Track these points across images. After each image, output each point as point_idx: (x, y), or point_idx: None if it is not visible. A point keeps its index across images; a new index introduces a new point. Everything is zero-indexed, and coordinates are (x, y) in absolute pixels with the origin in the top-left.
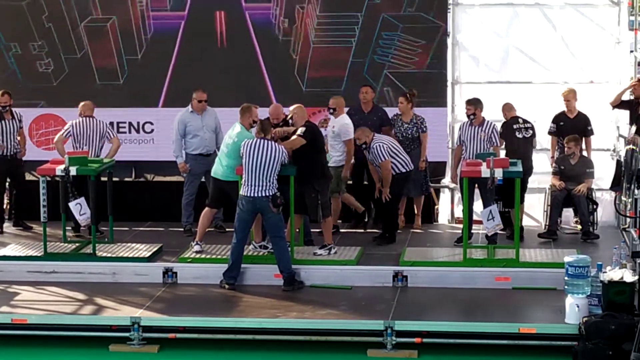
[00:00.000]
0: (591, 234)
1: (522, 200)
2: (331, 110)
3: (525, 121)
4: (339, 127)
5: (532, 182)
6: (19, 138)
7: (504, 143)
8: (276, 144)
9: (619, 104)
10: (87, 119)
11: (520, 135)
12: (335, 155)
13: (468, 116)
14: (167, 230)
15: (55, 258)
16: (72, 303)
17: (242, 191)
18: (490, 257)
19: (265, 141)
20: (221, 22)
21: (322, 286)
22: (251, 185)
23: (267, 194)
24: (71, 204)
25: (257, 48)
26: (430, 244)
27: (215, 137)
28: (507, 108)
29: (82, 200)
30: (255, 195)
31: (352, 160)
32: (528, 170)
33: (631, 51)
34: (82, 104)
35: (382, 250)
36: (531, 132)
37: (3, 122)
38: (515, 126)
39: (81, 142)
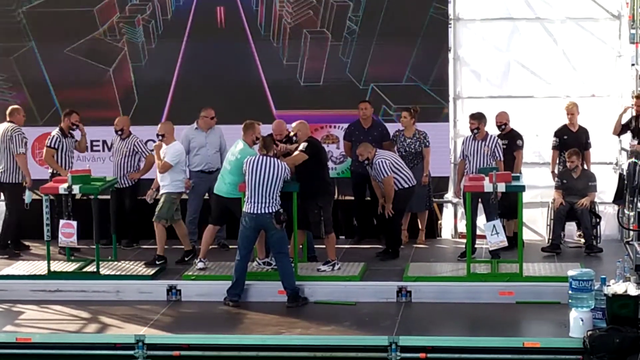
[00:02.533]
0: (594, 248)
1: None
2: (160, 137)
3: None
4: (171, 154)
5: (535, 196)
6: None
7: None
8: (279, 160)
9: (621, 130)
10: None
11: None
12: (166, 182)
13: (472, 130)
14: (171, 248)
15: (59, 277)
16: (77, 321)
17: (245, 208)
18: (493, 271)
19: (268, 158)
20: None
21: (326, 302)
22: (254, 202)
23: (270, 211)
24: (62, 221)
25: (258, 64)
26: (434, 259)
27: (220, 155)
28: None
29: (75, 223)
30: (259, 212)
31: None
32: None
33: (632, 64)
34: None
35: (385, 266)
36: None
37: (66, 139)
38: None
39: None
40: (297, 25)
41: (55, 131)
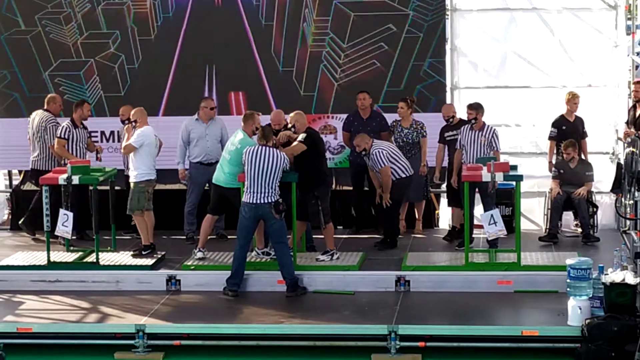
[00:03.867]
0: (592, 237)
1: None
2: (133, 123)
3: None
4: (135, 135)
5: (532, 186)
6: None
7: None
8: (277, 150)
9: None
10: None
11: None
12: (134, 169)
13: (469, 120)
14: (170, 239)
15: (58, 267)
16: (77, 311)
17: (245, 198)
18: (491, 261)
19: (267, 148)
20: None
21: (325, 292)
22: (253, 192)
23: (270, 201)
24: (61, 210)
25: (256, 55)
26: (432, 248)
27: (221, 147)
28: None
29: (71, 215)
30: (258, 202)
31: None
32: None
33: (628, 55)
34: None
35: (383, 256)
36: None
37: (76, 130)
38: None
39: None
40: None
41: (66, 122)
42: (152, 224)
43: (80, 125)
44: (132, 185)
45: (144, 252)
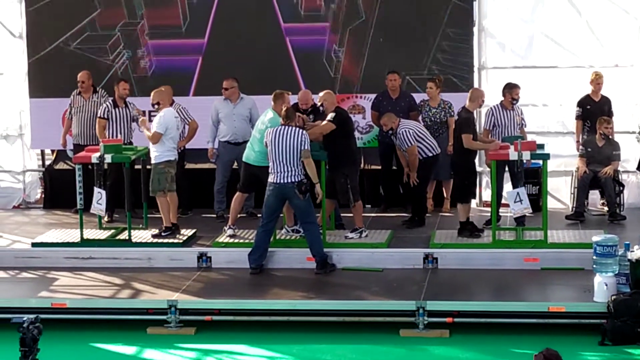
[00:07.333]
0: (618, 215)
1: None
2: (155, 106)
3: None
4: (156, 122)
5: (559, 165)
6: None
7: None
8: (297, 129)
9: None
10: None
11: None
12: (154, 151)
13: (516, 100)
14: (200, 217)
15: (91, 244)
16: (109, 287)
17: (270, 178)
18: (518, 238)
19: (288, 127)
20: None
21: (353, 269)
22: (277, 172)
23: (293, 180)
24: (95, 189)
25: (285, 35)
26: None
27: (250, 126)
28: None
29: (104, 192)
30: (281, 181)
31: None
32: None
33: None
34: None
35: (411, 234)
36: None
37: (116, 109)
38: None
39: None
40: None
41: (107, 101)
42: (175, 205)
43: (121, 104)
44: (152, 167)
45: (163, 234)
